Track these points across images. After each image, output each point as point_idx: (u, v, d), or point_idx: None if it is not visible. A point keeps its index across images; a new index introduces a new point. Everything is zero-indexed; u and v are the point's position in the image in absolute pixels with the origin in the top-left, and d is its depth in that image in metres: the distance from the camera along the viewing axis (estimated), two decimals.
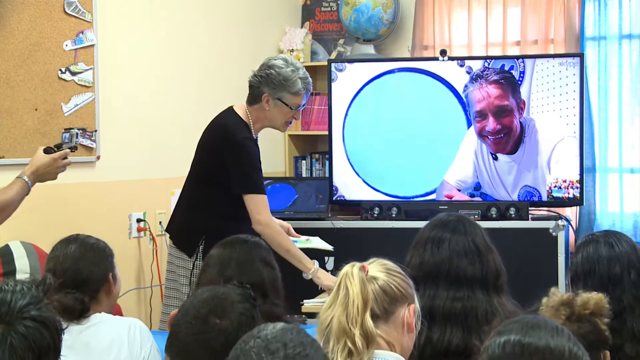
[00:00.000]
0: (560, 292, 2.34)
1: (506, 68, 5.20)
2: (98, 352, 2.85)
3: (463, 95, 5.23)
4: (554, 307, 2.29)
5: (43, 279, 1.89)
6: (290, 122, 4.32)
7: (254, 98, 4.25)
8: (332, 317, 2.32)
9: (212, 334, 2.23)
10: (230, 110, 4.33)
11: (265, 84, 4.20)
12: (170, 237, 4.42)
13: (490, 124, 5.19)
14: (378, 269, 2.42)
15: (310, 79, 4.29)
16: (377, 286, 2.37)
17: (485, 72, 5.19)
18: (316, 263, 4.26)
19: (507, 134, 5.18)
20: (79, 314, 2.89)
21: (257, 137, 4.33)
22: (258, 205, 4.16)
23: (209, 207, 4.26)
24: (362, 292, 2.33)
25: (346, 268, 2.38)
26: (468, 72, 5.24)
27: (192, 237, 4.24)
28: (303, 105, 4.30)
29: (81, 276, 2.94)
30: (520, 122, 5.16)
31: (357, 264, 2.38)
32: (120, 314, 3.76)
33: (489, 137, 5.20)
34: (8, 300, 1.79)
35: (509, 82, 5.17)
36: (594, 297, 2.29)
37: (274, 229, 4.18)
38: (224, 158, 4.19)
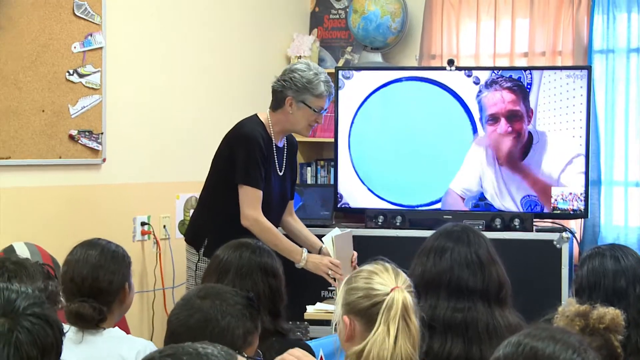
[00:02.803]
0: (576, 303, 2.34)
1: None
2: None
3: (476, 101, 5.22)
4: (569, 317, 2.30)
5: (45, 286, 1.90)
6: (313, 126, 4.37)
7: (277, 103, 4.32)
8: (398, 352, 2.27)
9: (190, 311, 2.28)
10: (251, 115, 4.39)
11: (289, 88, 4.28)
12: (184, 234, 4.55)
13: (502, 126, 5.18)
14: (404, 284, 2.38)
15: (332, 83, 4.38)
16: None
17: (499, 79, 5.19)
18: (305, 252, 4.28)
19: (516, 138, 5.18)
20: (96, 323, 2.89)
21: (282, 144, 4.38)
22: (250, 199, 4.22)
23: (217, 206, 4.36)
24: (417, 320, 2.32)
25: (396, 298, 2.30)
26: (475, 83, 5.23)
27: (199, 233, 4.37)
28: (325, 109, 4.34)
29: (99, 285, 2.93)
30: (529, 130, 5.16)
31: (400, 289, 2.32)
32: (123, 318, 3.75)
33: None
34: (13, 298, 1.81)
35: (521, 90, 5.16)
36: (611, 312, 2.29)
37: (262, 225, 4.22)
38: (231, 150, 4.26)
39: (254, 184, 4.23)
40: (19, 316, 1.78)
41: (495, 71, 5.23)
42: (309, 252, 4.33)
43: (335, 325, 2.46)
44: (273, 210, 4.35)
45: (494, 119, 5.21)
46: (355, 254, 4.42)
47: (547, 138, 5.14)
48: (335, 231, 4.48)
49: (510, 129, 5.18)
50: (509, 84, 5.18)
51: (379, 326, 2.28)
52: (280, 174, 4.40)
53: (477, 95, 5.22)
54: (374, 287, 2.35)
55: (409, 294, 2.34)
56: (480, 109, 5.22)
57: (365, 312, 2.33)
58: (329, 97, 4.35)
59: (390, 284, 2.35)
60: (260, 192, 4.24)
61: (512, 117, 5.18)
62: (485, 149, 5.22)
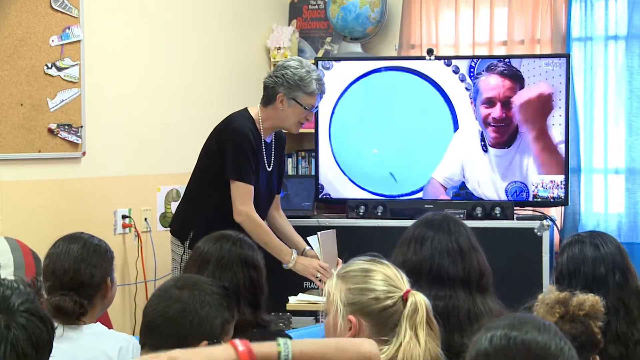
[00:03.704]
0: (556, 290, 2.35)
1: None
2: None
3: (471, 83, 5.22)
4: (549, 305, 2.31)
5: (32, 281, 1.89)
6: (303, 123, 4.37)
7: (268, 99, 4.32)
8: (427, 355, 2.28)
9: (169, 302, 2.28)
10: (241, 109, 4.39)
11: (281, 84, 4.28)
12: (169, 226, 4.58)
13: (497, 111, 5.20)
14: (409, 284, 2.40)
15: (323, 81, 4.39)
16: None
17: (499, 64, 5.19)
18: (294, 253, 4.31)
19: (508, 124, 5.19)
20: (76, 317, 2.88)
21: (270, 140, 4.39)
22: (242, 195, 4.24)
23: (203, 199, 4.38)
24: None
25: (418, 301, 2.32)
26: (455, 72, 5.24)
27: (185, 226, 4.38)
28: (316, 107, 4.35)
29: (81, 278, 2.91)
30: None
31: (415, 293, 2.34)
32: (105, 312, 3.74)
33: (492, 124, 5.21)
34: (8, 294, 1.80)
35: (518, 80, 5.18)
36: (590, 299, 2.30)
37: (254, 221, 4.25)
38: (220, 145, 4.26)
39: (246, 179, 4.24)
40: (14, 313, 1.77)
41: (472, 62, 5.25)
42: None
43: (322, 318, 2.45)
44: (261, 207, 4.36)
45: (489, 102, 5.22)
46: (341, 261, 4.43)
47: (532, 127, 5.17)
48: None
49: (504, 114, 5.20)
50: (508, 71, 5.20)
51: (405, 332, 2.29)
52: (269, 169, 4.42)
53: (476, 77, 5.21)
54: (386, 289, 2.35)
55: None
56: (476, 91, 5.23)
57: (378, 314, 2.33)
58: (320, 95, 4.37)
59: (400, 284, 2.36)
60: (252, 188, 4.26)
61: (508, 103, 5.20)
62: (473, 134, 5.22)
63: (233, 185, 4.25)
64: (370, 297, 2.33)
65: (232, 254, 2.99)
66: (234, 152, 4.25)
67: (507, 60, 5.23)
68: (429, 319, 2.30)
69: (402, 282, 2.37)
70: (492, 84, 5.22)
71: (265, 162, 4.39)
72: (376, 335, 2.27)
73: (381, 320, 2.31)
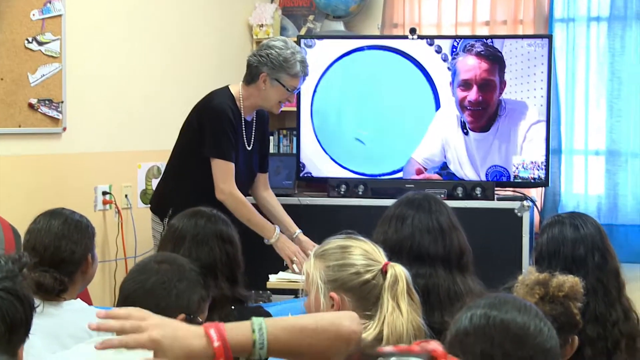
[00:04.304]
0: (535, 271, 2.36)
1: None
2: (63, 341, 2.81)
3: (448, 66, 5.20)
4: (529, 286, 2.33)
5: (19, 256, 1.87)
6: (283, 104, 4.36)
7: (251, 77, 4.32)
8: (409, 325, 2.29)
9: (148, 274, 2.29)
10: (223, 87, 4.38)
11: (265, 64, 4.28)
12: (149, 203, 4.61)
13: (473, 94, 5.18)
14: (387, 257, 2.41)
15: (307, 63, 4.39)
16: None
17: (475, 45, 5.17)
18: (277, 230, 4.31)
19: (485, 108, 5.18)
20: (57, 294, 2.87)
21: (250, 118, 4.38)
22: (223, 173, 4.25)
23: (183, 176, 4.39)
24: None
25: (398, 273, 2.34)
26: (437, 52, 5.24)
27: (164, 203, 4.38)
28: (298, 89, 4.35)
29: (61, 255, 2.91)
30: (499, 100, 5.16)
31: (394, 265, 2.35)
32: (85, 288, 3.74)
33: (469, 107, 5.19)
34: None
35: (498, 61, 5.15)
36: (570, 280, 2.32)
37: (237, 199, 4.26)
38: (199, 122, 4.26)
39: (226, 156, 4.25)
40: None
41: (455, 42, 5.23)
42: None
43: (301, 297, 2.46)
44: (240, 186, 4.36)
45: (466, 84, 5.20)
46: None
47: (513, 107, 5.15)
48: None
49: (480, 97, 5.18)
50: (485, 52, 5.18)
51: (388, 303, 2.30)
52: (249, 148, 4.41)
53: (453, 59, 5.19)
54: (366, 263, 2.36)
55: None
56: (454, 73, 5.21)
57: (359, 289, 2.34)
58: (303, 77, 4.36)
59: (379, 258, 2.37)
60: (232, 165, 4.26)
61: (485, 86, 5.17)
62: (454, 115, 5.22)
63: (213, 163, 4.25)
64: (351, 272, 2.34)
65: (208, 230, 3.01)
66: (213, 130, 4.24)
67: (489, 40, 5.22)
68: (409, 289, 2.32)
69: (380, 255, 2.39)
70: (469, 65, 5.21)
71: (245, 141, 4.38)
72: (359, 310, 2.28)
73: (363, 295, 2.32)
